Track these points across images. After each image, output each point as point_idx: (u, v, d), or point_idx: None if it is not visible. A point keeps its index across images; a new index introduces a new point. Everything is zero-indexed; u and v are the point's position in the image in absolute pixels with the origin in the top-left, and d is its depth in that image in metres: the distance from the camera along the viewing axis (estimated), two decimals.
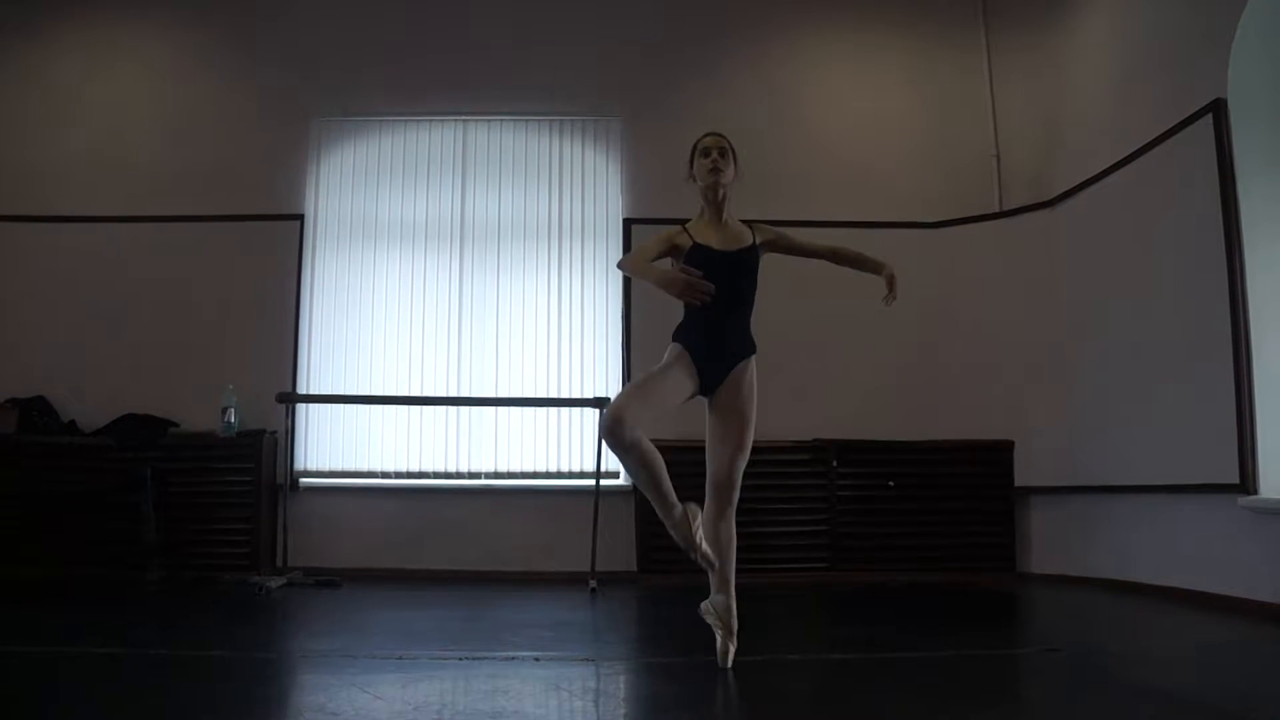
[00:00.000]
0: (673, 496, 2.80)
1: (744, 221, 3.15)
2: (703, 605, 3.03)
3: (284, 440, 5.58)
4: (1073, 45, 5.69)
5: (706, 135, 3.15)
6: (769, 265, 3.13)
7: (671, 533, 2.83)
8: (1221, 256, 4.24)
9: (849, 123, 6.25)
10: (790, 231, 3.20)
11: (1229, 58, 4.26)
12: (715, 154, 3.08)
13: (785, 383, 5.74)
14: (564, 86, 6.22)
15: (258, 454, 5.53)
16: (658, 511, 2.83)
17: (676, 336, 3.04)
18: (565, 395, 5.91)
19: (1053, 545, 5.57)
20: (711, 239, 3.05)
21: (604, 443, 2.85)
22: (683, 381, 2.95)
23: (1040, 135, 5.97)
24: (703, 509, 2.93)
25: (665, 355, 3.03)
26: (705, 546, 2.82)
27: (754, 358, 3.06)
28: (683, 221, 3.13)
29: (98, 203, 5.99)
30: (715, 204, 3.10)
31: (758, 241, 3.10)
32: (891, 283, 3.16)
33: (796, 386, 5.74)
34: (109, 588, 4.91)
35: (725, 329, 3.00)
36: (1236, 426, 4.13)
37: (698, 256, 2.99)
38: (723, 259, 3.00)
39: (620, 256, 5.98)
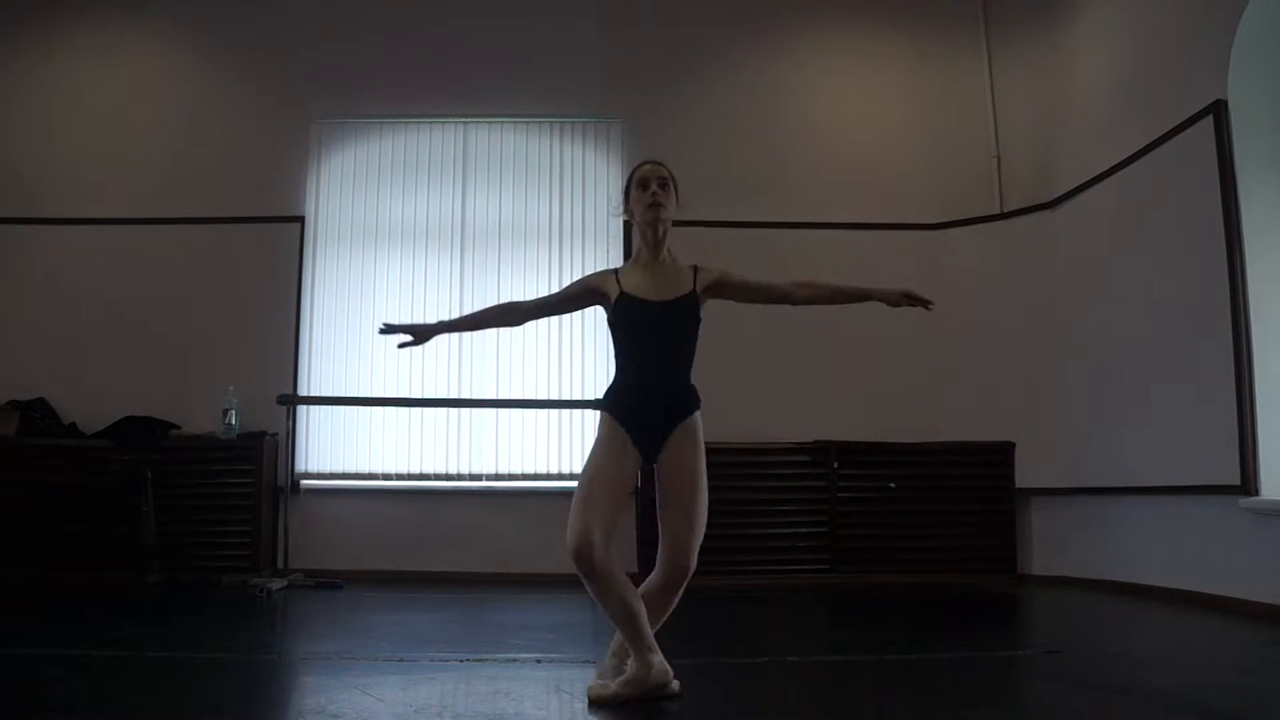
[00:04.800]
0: (651, 640, 2.47)
1: (690, 265, 2.72)
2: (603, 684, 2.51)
3: (285, 442, 5.58)
4: (1073, 46, 5.69)
5: (645, 164, 2.75)
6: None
7: (633, 684, 2.42)
8: (1222, 258, 4.24)
9: (849, 124, 6.25)
10: (740, 271, 2.73)
11: (1229, 59, 4.26)
12: (655, 185, 2.67)
13: (786, 384, 5.78)
14: (564, 88, 6.22)
15: (258, 456, 5.52)
16: (631, 651, 2.46)
17: (604, 403, 2.68)
18: (566, 397, 5.90)
19: (1053, 547, 5.57)
20: (642, 286, 2.66)
21: (577, 569, 2.44)
22: (625, 465, 2.56)
23: (1041, 137, 5.96)
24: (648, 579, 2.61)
25: (597, 430, 2.65)
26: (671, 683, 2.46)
27: (699, 414, 2.64)
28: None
29: (99, 205, 5.99)
30: (653, 243, 2.68)
31: (699, 288, 2.67)
32: (914, 298, 2.90)
33: (797, 388, 5.76)
34: (110, 590, 4.90)
35: (659, 388, 2.61)
36: (1237, 428, 4.13)
37: (623, 308, 2.64)
38: (653, 311, 2.63)
39: (621, 257, 5.99)
